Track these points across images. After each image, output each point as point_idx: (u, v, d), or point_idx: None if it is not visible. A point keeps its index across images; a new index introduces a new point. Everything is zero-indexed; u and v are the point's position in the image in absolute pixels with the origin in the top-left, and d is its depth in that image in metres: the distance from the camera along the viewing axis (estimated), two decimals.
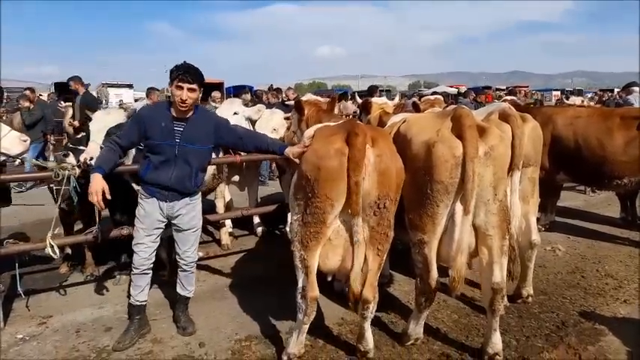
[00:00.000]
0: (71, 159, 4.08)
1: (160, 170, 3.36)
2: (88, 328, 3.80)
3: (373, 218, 2.97)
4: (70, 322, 3.88)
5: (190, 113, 3.39)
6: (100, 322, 3.90)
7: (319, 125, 3.50)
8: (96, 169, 3.25)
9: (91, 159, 3.71)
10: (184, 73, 3.22)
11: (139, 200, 3.51)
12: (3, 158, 3.85)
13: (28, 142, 3.91)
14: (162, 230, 3.55)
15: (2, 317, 3.77)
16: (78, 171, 3.61)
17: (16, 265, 4.05)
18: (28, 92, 10.25)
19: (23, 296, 4.14)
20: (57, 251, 3.54)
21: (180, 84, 3.22)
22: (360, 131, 2.90)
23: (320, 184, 2.90)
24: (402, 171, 3.10)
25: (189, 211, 3.54)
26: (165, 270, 4.71)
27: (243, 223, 6.48)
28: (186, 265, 3.68)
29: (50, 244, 3.49)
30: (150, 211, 3.45)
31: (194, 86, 3.26)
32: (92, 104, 8.42)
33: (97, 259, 4.98)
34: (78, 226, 5.09)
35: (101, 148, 3.89)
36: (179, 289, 3.77)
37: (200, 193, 3.68)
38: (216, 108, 6.14)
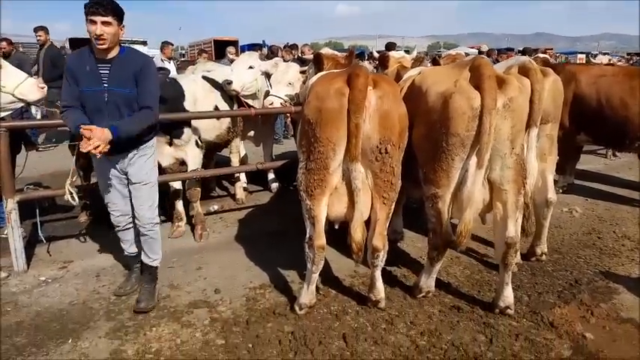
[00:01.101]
0: None
1: (95, 122, 2.90)
2: (107, 272, 3.92)
3: (375, 164, 2.91)
4: (90, 267, 4.00)
5: (115, 53, 3.02)
6: (119, 267, 4.00)
7: (323, 72, 3.42)
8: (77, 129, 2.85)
9: None
10: (95, 4, 2.81)
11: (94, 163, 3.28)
12: (21, 104, 3.87)
13: (46, 88, 3.90)
14: (124, 185, 3.30)
15: (25, 260, 3.89)
16: None
17: (37, 211, 4.16)
18: (4, 44, 8.30)
19: (44, 242, 4.28)
20: (76, 198, 3.59)
21: (92, 17, 2.83)
22: (361, 73, 2.82)
23: (321, 126, 2.84)
24: (406, 116, 3.03)
25: (137, 160, 3.21)
26: (182, 221, 4.79)
27: (257, 179, 6.52)
28: (142, 226, 3.35)
29: (69, 190, 3.54)
30: (100, 167, 3.25)
31: (108, 19, 2.85)
32: (58, 58, 8.01)
33: None
34: None
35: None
36: (142, 257, 3.48)
37: (152, 144, 3.32)
38: (232, 61, 6.05)
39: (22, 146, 4.49)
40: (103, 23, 2.85)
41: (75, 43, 21.65)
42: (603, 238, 4.76)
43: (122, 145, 3.06)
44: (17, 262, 3.83)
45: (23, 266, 3.87)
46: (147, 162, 3.28)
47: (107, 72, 3.00)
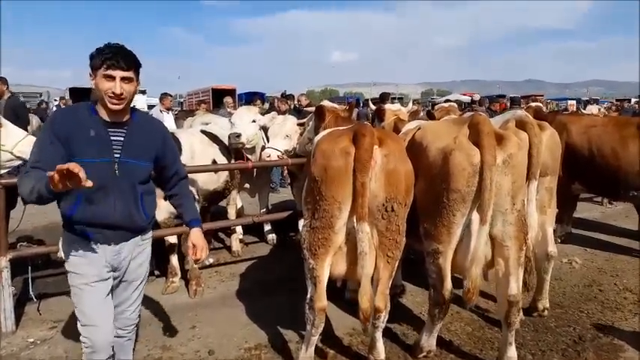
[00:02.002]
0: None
1: (96, 202, 2.30)
2: None
3: (381, 222, 2.89)
4: None
5: (128, 116, 2.42)
6: None
7: (329, 129, 3.45)
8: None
9: None
10: (114, 55, 2.22)
11: (68, 250, 2.42)
12: (19, 162, 3.87)
13: None
14: (108, 288, 2.45)
15: (14, 320, 3.77)
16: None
17: (29, 268, 4.08)
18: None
19: (35, 300, 4.16)
20: None
21: (109, 72, 2.22)
22: (367, 131, 2.84)
23: (327, 185, 2.84)
24: (412, 174, 3.03)
25: (137, 256, 2.54)
26: (176, 276, 4.71)
27: (254, 230, 6.47)
28: (122, 329, 2.61)
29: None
30: (90, 257, 2.37)
31: (130, 74, 2.27)
32: (20, 109, 7.63)
33: None
34: None
35: None
36: None
37: (151, 231, 2.66)
38: (230, 114, 6.15)
39: (18, 200, 4.46)
40: (124, 80, 2.26)
41: (77, 93, 21.92)
42: (604, 290, 4.70)
43: (130, 227, 2.46)
44: (6, 323, 3.71)
45: (12, 327, 3.75)
46: (148, 252, 2.65)
47: (121, 139, 2.36)
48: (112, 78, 2.23)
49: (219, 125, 5.59)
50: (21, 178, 2.29)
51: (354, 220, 2.81)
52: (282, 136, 5.30)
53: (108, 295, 2.45)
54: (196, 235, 2.61)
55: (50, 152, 2.24)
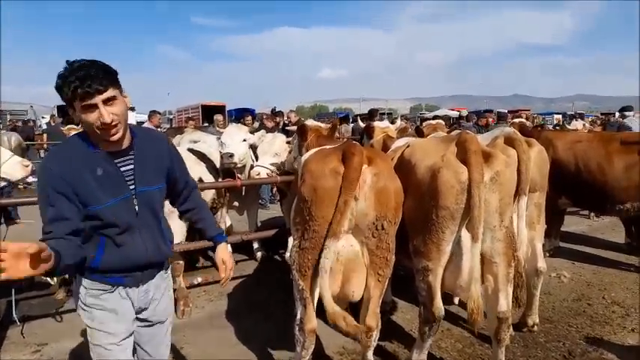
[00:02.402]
0: None
1: (123, 245, 2.03)
2: (84, 357, 3.71)
3: (372, 241, 2.88)
4: (65, 350, 3.80)
5: (129, 139, 2.06)
6: None
7: (317, 148, 3.45)
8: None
9: None
10: (83, 81, 1.79)
11: (91, 303, 2.07)
12: (3, 184, 3.83)
13: (30, 166, 3.88)
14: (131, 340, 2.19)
15: None
16: None
17: (12, 290, 4.00)
18: None
19: (18, 323, 4.08)
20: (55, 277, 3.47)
21: (86, 101, 1.82)
22: (356, 151, 2.83)
23: (317, 205, 2.82)
24: (401, 191, 3.04)
25: (165, 292, 2.29)
26: None
27: (242, 249, 6.42)
28: None
29: None
30: (120, 310, 2.10)
31: (109, 92, 1.85)
32: None
33: None
34: None
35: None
36: None
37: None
38: (220, 132, 6.17)
39: (2, 221, 4.40)
40: (107, 102, 1.86)
41: (65, 110, 21.65)
42: (593, 304, 4.71)
43: (158, 262, 2.21)
44: None
45: None
46: (169, 283, 2.37)
47: (131, 168, 2.04)
48: (93, 107, 1.84)
49: (208, 143, 5.58)
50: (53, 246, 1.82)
51: (329, 238, 2.76)
52: (271, 154, 5.32)
53: (131, 347, 2.20)
54: (225, 251, 2.40)
55: (62, 212, 1.86)
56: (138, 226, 2.06)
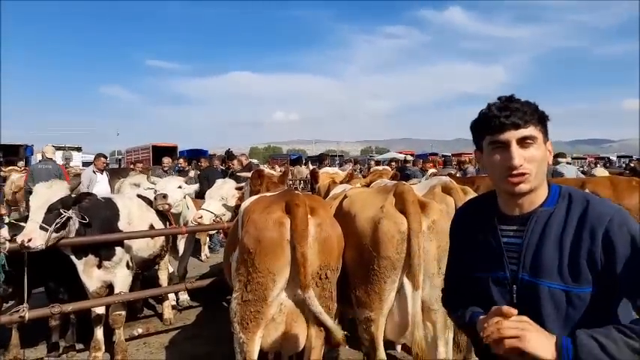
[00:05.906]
0: (4, 232, 3.82)
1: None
2: None
3: (315, 290, 2.85)
4: None
5: (538, 201, 1.52)
6: None
7: (256, 196, 3.42)
8: None
9: (29, 240, 3.46)
10: (502, 109, 1.44)
11: None
12: None
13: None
14: None
15: None
16: (8, 246, 3.40)
17: None
18: None
19: None
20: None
21: (498, 136, 1.45)
22: (299, 201, 2.84)
23: (260, 257, 2.77)
24: (342, 238, 3.07)
25: None
26: (100, 351, 4.36)
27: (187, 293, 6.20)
28: None
29: None
30: None
31: (528, 130, 1.43)
32: None
33: (25, 341, 4.58)
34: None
35: (41, 227, 3.57)
36: None
37: None
38: (167, 174, 6.09)
39: None
40: (523, 142, 1.43)
41: (4, 149, 20.97)
42: None
43: None
44: None
45: None
46: None
47: (515, 241, 1.51)
48: (504, 145, 1.44)
49: (150, 187, 5.50)
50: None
51: (299, 290, 2.79)
52: (217, 198, 5.25)
53: None
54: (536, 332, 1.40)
55: (456, 271, 1.62)
56: None
